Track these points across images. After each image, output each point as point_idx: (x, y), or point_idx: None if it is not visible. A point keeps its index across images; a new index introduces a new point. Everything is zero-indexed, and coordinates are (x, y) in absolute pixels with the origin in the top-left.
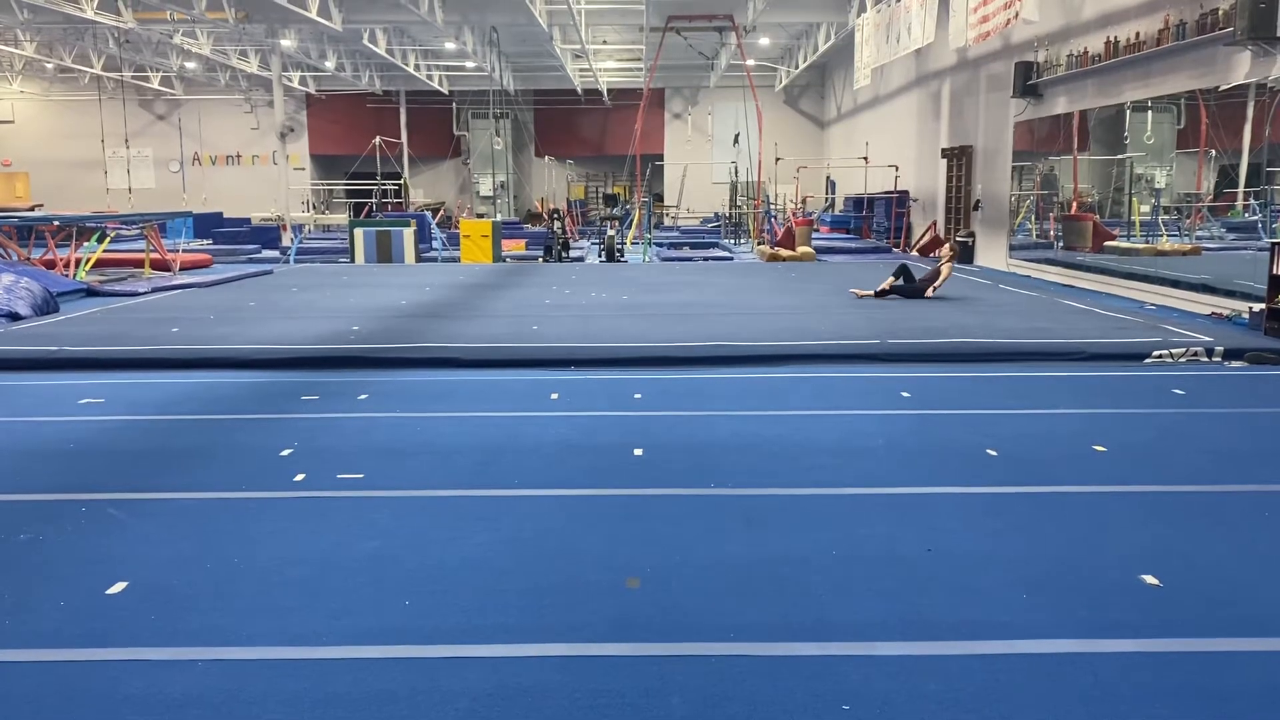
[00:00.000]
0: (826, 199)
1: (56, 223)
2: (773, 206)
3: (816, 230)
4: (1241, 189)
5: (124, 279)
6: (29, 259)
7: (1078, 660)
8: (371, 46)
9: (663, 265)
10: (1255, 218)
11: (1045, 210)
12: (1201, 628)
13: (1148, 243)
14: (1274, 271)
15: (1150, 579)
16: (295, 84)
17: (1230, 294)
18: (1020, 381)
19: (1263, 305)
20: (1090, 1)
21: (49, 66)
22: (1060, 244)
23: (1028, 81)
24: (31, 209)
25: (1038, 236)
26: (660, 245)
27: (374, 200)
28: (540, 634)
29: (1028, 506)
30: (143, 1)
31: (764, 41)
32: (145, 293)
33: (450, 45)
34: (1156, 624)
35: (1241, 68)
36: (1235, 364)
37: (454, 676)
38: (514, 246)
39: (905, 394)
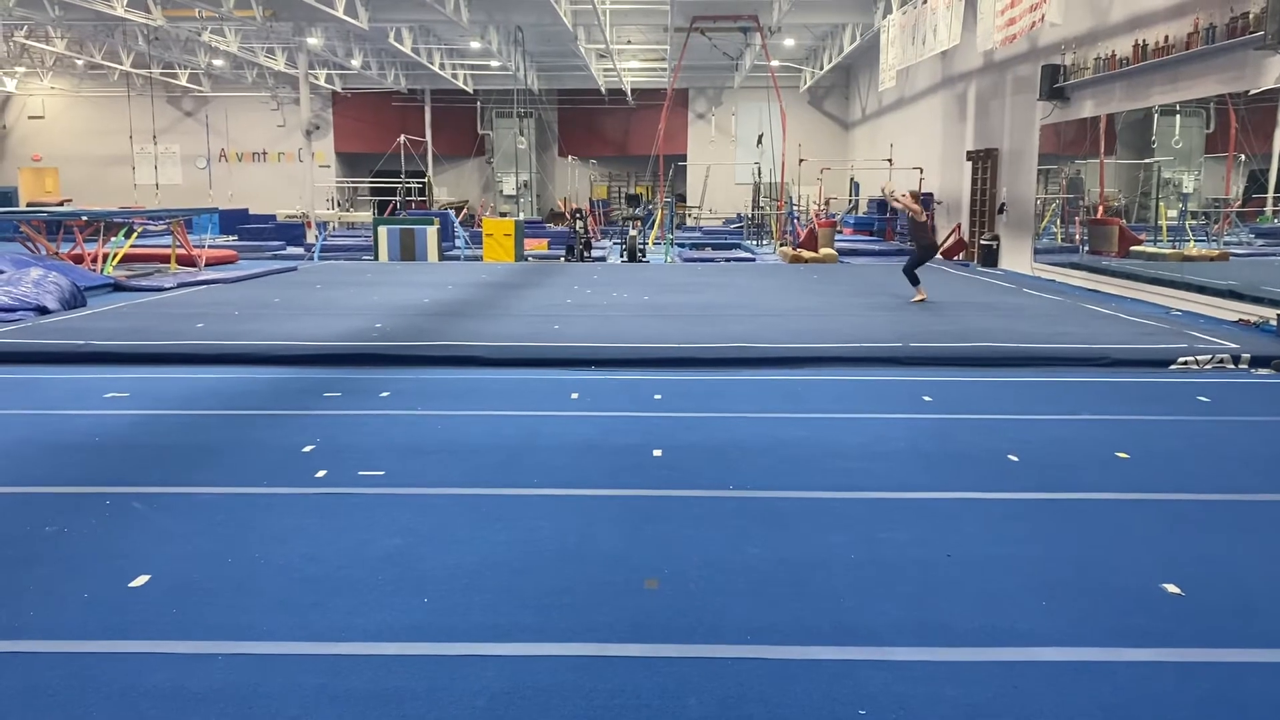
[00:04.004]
0: (850, 201)
1: (85, 218)
2: (795, 208)
3: (839, 232)
4: (1271, 194)
5: (150, 274)
6: (57, 253)
7: (1097, 668)
8: (397, 45)
9: (684, 266)
10: None
11: (1071, 214)
12: (1223, 638)
13: (1174, 248)
14: None
15: (1172, 588)
16: (321, 82)
17: (1258, 300)
18: (1043, 387)
19: None
20: (1119, 4)
21: (79, 63)
22: (1085, 248)
23: (1054, 84)
24: (60, 204)
25: (1063, 240)
26: (682, 246)
27: (398, 198)
28: (558, 634)
29: (1049, 513)
30: None
31: (789, 42)
32: (171, 288)
33: (475, 44)
34: (1178, 633)
35: (1272, 71)
36: (1262, 371)
37: (472, 675)
38: (536, 246)
39: (927, 398)
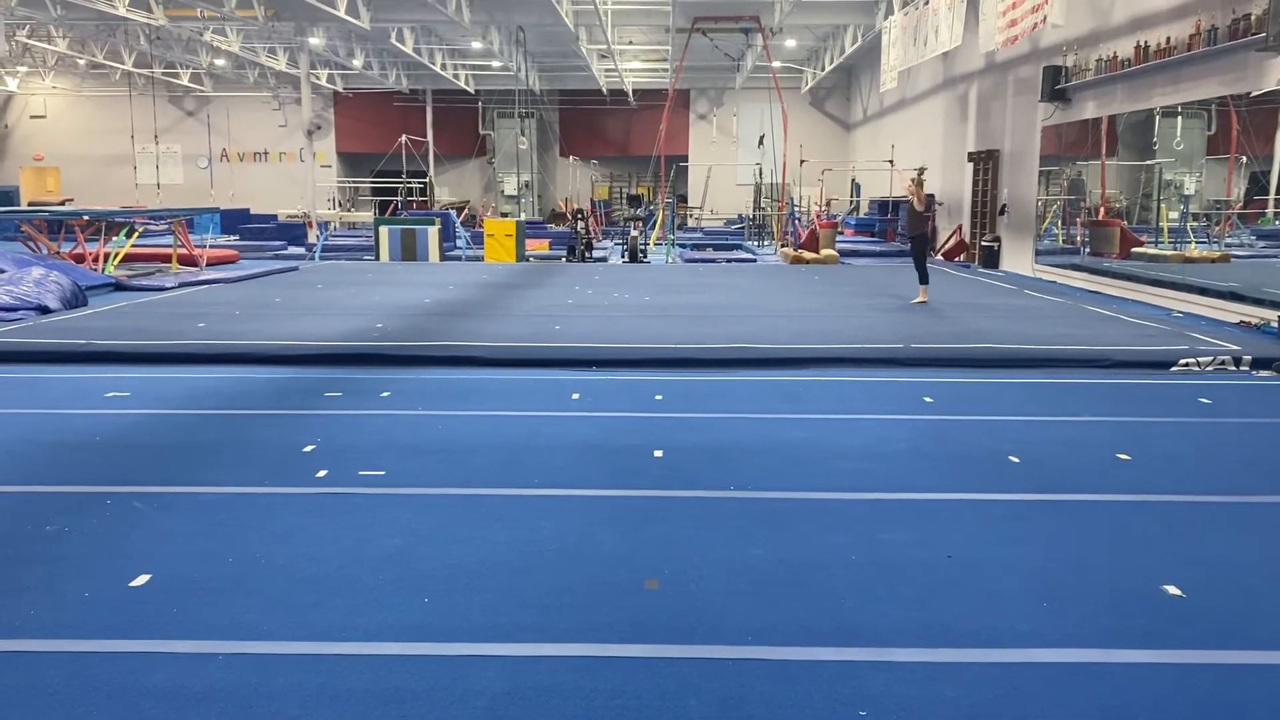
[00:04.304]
0: (851, 202)
1: (86, 217)
2: (797, 209)
3: (840, 233)
4: (1272, 196)
5: (151, 274)
6: (59, 253)
7: (1097, 670)
8: (399, 45)
9: (686, 266)
10: None
11: (1072, 215)
12: (1224, 639)
13: (1176, 249)
14: None
15: (1173, 589)
16: (323, 82)
17: (1259, 302)
18: (1044, 388)
19: None
20: (1120, 6)
21: (81, 63)
22: (1087, 249)
23: (1056, 86)
24: (62, 203)
25: (1064, 242)
26: (683, 246)
27: (399, 198)
28: (558, 634)
29: (1050, 514)
30: None
31: (790, 43)
32: (172, 288)
33: (477, 45)
34: (1178, 635)
35: (1273, 73)
36: (1263, 373)
37: (472, 675)
38: (537, 246)
39: (928, 399)
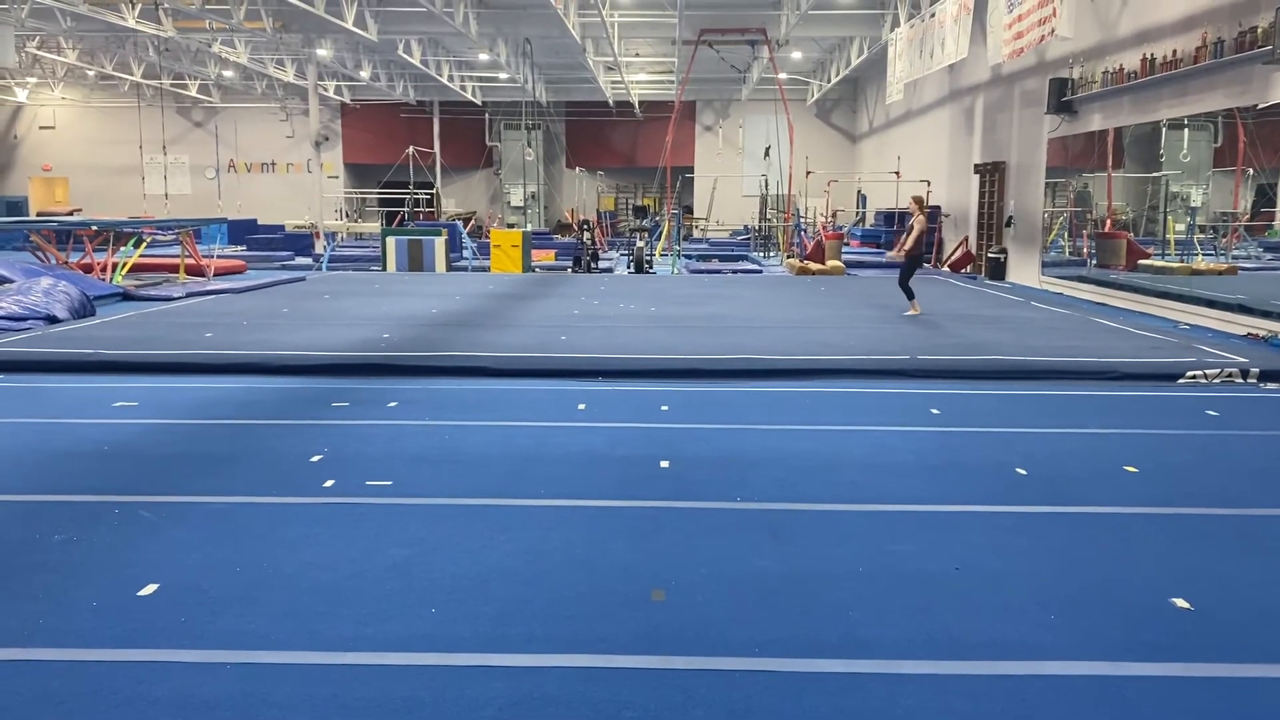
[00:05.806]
0: (857, 213)
1: (94, 227)
2: (803, 220)
3: (846, 244)
4: (1279, 208)
5: (159, 284)
6: (67, 263)
7: (1106, 682)
8: (406, 57)
9: (691, 277)
10: None
11: (1079, 228)
12: (1233, 652)
13: (1182, 262)
14: None
15: (1181, 602)
16: (331, 93)
17: (1267, 315)
18: (1051, 400)
19: None
20: (1127, 18)
21: (90, 74)
22: (1093, 262)
23: (1062, 98)
24: (70, 213)
25: (1071, 254)
26: (689, 257)
27: (406, 209)
28: (565, 644)
29: (1058, 526)
30: (182, 10)
31: (796, 55)
32: (180, 298)
33: (484, 56)
34: (1187, 647)
35: None
36: (1271, 386)
37: (479, 685)
38: (543, 257)
39: (935, 411)
